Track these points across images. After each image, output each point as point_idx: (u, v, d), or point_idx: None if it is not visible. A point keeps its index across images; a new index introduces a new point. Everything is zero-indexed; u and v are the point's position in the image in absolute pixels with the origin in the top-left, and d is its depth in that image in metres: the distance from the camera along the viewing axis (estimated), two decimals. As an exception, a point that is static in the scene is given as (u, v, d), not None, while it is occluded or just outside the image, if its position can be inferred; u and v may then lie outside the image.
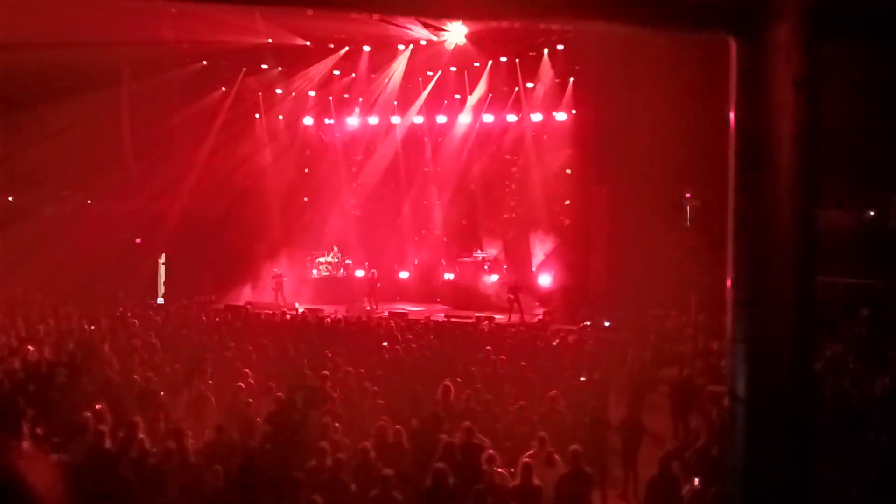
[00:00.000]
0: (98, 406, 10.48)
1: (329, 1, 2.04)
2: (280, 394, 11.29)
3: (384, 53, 25.64)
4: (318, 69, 26.28)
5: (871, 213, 24.31)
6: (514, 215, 27.68)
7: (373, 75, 26.83)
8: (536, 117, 26.69)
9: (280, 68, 26.53)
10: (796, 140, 2.41)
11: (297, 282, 26.85)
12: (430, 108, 28.01)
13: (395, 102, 27.89)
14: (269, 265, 27.55)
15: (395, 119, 28.59)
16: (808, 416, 2.54)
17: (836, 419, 10.63)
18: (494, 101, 27.03)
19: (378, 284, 25.83)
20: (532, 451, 9.01)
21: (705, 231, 20.21)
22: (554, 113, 26.44)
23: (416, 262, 28.36)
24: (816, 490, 2.14)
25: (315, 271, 27.19)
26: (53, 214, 24.35)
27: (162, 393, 11.42)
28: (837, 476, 8.73)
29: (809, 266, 2.57)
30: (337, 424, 9.83)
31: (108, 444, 8.83)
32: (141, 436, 9.19)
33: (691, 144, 20.75)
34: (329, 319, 20.25)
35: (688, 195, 23.06)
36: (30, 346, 14.22)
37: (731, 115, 2.59)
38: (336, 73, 26.72)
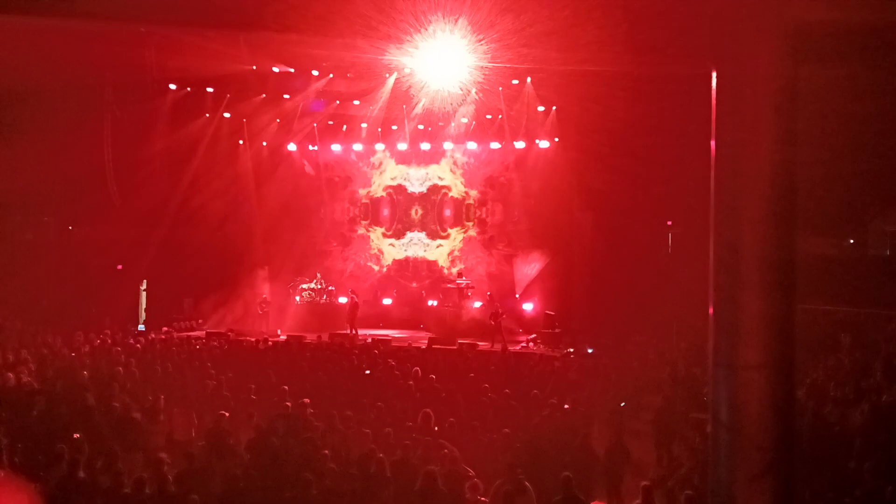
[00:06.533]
0: (75, 435, 10.34)
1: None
2: (261, 422, 11.19)
3: (369, 80, 25.69)
4: (303, 96, 26.34)
5: (851, 241, 24.53)
6: (497, 242, 27.77)
7: (357, 102, 26.90)
8: (519, 144, 26.86)
9: (264, 95, 26.54)
10: (774, 166, 2.43)
11: (279, 308, 26.70)
12: (415, 135, 28.14)
13: (380, 130, 28.03)
14: (251, 292, 27.36)
15: (379, 146, 28.75)
16: (791, 444, 2.54)
17: (818, 446, 10.63)
18: (478, 128, 27.20)
19: (358, 310, 25.69)
20: (503, 480, 8.99)
21: (687, 258, 20.32)
22: (537, 140, 26.60)
23: (395, 293, 28.36)
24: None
25: (298, 298, 27.05)
26: (33, 240, 24.11)
27: (141, 421, 11.27)
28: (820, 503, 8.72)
29: (790, 292, 2.58)
30: (326, 451, 9.76)
31: (82, 473, 8.68)
32: (118, 464, 9.06)
33: (673, 172, 20.96)
34: (312, 346, 20.12)
35: (669, 222, 23.22)
36: (10, 374, 13.99)
37: (712, 144, 2.61)
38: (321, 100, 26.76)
